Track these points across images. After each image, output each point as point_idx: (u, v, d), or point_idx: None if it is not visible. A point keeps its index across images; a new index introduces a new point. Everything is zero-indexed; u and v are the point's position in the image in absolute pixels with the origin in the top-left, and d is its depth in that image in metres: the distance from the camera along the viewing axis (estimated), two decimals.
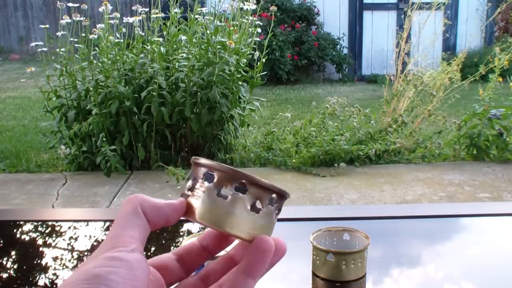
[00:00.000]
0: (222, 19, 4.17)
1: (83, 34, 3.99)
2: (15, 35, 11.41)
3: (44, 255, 1.01)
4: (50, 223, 1.14)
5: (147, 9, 4.18)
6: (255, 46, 4.14)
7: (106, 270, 0.33)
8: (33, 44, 4.26)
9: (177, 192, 3.45)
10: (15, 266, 0.97)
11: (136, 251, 0.35)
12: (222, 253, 0.42)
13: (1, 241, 1.09)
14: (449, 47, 8.36)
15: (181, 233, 1.05)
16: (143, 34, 4.11)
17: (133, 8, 4.12)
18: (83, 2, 4.10)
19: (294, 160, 3.98)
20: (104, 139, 3.88)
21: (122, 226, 0.36)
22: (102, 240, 0.40)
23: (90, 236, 1.09)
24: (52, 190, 3.67)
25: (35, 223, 1.14)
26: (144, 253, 0.37)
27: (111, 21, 3.99)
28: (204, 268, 0.41)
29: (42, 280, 0.91)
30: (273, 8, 4.55)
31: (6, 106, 6.76)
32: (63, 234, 1.11)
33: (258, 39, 4.20)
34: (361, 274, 0.85)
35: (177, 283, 0.40)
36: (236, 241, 0.42)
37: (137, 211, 0.37)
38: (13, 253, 1.03)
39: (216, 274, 0.40)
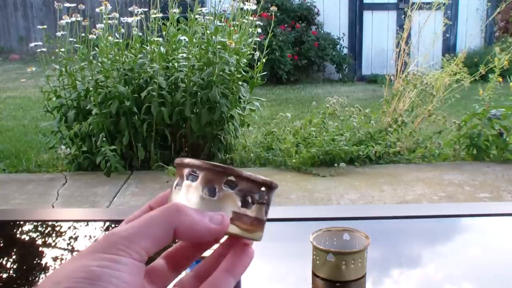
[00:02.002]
0: (222, 19, 4.17)
1: (83, 34, 3.99)
2: (15, 35, 11.41)
3: (44, 255, 1.01)
4: (50, 223, 1.14)
5: (146, 9, 4.18)
6: (255, 46, 4.14)
7: (108, 272, 0.32)
8: (32, 44, 4.26)
9: None
10: (15, 266, 0.97)
11: (141, 260, 0.34)
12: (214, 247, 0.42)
13: (1, 241, 1.09)
14: (449, 47, 8.36)
15: None
16: (141, 34, 4.12)
17: (129, 9, 4.12)
18: (82, 2, 4.10)
19: (294, 160, 3.98)
20: (104, 139, 3.88)
21: (141, 233, 0.34)
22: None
23: (90, 236, 1.09)
24: (52, 190, 3.67)
25: (35, 223, 1.14)
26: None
27: (110, 21, 3.99)
28: (197, 266, 0.41)
29: (42, 280, 0.91)
30: (273, 8, 4.55)
31: (6, 106, 6.76)
32: (63, 234, 1.11)
33: (258, 39, 4.20)
34: (361, 274, 0.85)
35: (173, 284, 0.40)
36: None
37: (167, 231, 0.35)
38: (13, 253, 1.03)
39: (209, 271, 0.40)
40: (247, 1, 4.06)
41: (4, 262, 0.98)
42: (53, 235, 1.10)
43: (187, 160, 0.39)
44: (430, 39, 5.02)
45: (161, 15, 4.05)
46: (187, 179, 0.38)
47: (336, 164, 3.97)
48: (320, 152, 4.01)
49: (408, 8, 5.06)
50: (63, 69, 4.02)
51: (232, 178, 0.38)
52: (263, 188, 0.39)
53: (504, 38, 7.20)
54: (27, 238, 1.09)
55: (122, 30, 4.05)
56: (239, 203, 0.38)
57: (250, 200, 0.38)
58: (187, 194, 0.38)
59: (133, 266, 0.33)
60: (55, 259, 0.99)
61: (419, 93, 4.55)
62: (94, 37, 4.00)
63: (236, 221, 0.38)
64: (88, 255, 0.33)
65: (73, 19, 3.92)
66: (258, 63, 4.14)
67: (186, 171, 0.39)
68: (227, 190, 0.38)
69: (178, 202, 0.37)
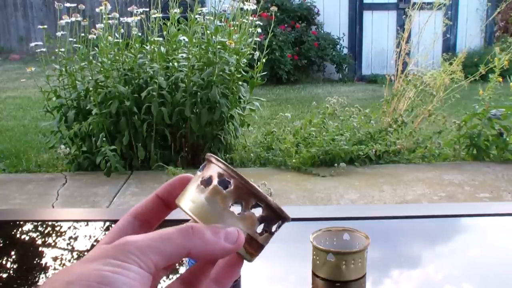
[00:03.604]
0: (222, 19, 4.17)
1: (83, 34, 3.99)
2: (15, 35, 11.41)
3: (44, 255, 1.01)
4: (50, 223, 1.14)
5: (147, 9, 4.18)
6: (255, 46, 4.14)
7: (120, 278, 0.32)
8: (32, 44, 4.26)
9: None
10: (15, 266, 0.97)
11: (149, 272, 0.34)
12: None
13: (1, 241, 1.09)
14: (449, 47, 8.36)
15: None
16: (140, 34, 4.12)
17: (129, 9, 4.12)
18: (82, 2, 4.10)
19: (294, 160, 3.98)
20: (104, 139, 3.88)
21: (155, 248, 0.34)
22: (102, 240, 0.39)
23: (90, 236, 1.09)
24: (52, 190, 3.67)
25: (35, 223, 1.14)
26: None
27: (110, 21, 3.99)
28: (185, 272, 0.41)
29: (42, 280, 0.91)
30: (273, 8, 4.55)
31: (6, 106, 6.76)
32: (63, 234, 1.11)
33: (258, 39, 4.20)
34: (361, 274, 0.85)
35: None
36: None
37: (180, 251, 0.35)
38: (13, 253, 1.03)
39: (196, 278, 0.40)
40: (247, 1, 4.05)
41: (4, 262, 0.98)
42: (53, 235, 1.10)
43: (225, 166, 0.38)
44: (430, 39, 5.02)
45: (161, 15, 4.05)
46: (218, 184, 0.38)
47: (336, 164, 3.97)
48: (320, 152, 4.01)
49: (409, 8, 5.07)
50: (63, 69, 4.01)
51: (261, 203, 0.38)
52: (280, 221, 0.39)
53: (504, 38, 7.20)
54: (27, 238, 1.09)
55: (122, 30, 4.05)
56: (256, 228, 0.38)
57: (265, 228, 0.39)
58: (213, 200, 0.37)
59: (144, 276, 0.34)
60: (55, 259, 0.99)
61: (419, 93, 4.55)
62: (94, 37, 4.00)
63: (246, 244, 0.38)
64: (100, 259, 0.34)
65: (73, 19, 3.92)
66: (258, 63, 4.14)
67: (218, 172, 0.38)
68: (251, 212, 0.38)
69: (195, 224, 0.36)
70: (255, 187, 0.37)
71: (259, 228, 0.38)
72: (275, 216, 0.38)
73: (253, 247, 0.38)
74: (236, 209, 0.38)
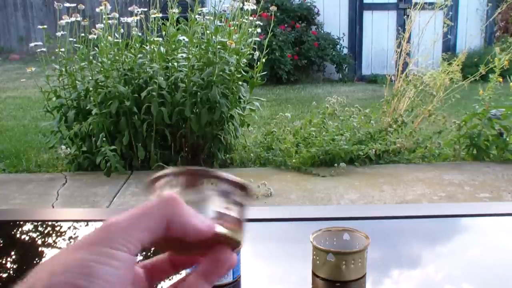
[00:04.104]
0: (222, 19, 4.17)
1: (83, 34, 4.00)
2: (15, 35, 11.41)
3: (44, 255, 1.01)
4: (50, 223, 1.14)
5: (146, 9, 4.18)
6: (255, 46, 4.14)
7: (106, 269, 0.33)
8: (32, 44, 4.26)
9: None
10: (15, 266, 0.97)
11: (136, 254, 0.35)
12: None
13: (1, 241, 1.09)
14: (449, 47, 8.36)
15: None
16: (140, 34, 4.12)
17: (129, 9, 4.12)
18: (82, 2, 4.10)
19: (294, 160, 3.98)
20: (104, 139, 3.88)
21: (139, 225, 0.35)
22: None
23: None
24: (52, 190, 3.66)
25: (35, 223, 1.14)
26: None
27: (110, 21, 3.99)
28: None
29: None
30: (273, 8, 4.55)
31: (6, 106, 6.76)
32: (63, 234, 1.11)
33: (258, 39, 4.20)
34: (361, 274, 0.85)
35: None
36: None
37: (161, 222, 0.35)
38: (13, 253, 1.03)
39: (182, 260, 0.41)
40: (247, 1, 4.05)
41: (4, 262, 0.98)
42: (53, 235, 1.10)
43: (161, 172, 0.40)
44: (431, 39, 5.02)
45: (161, 15, 4.05)
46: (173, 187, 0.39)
47: (336, 164, 3.96)
48: (320, 152, 4.01)
49: (409, 8, 5.06)
50: (63, 69, 4.01)
51: (211, 179, 0.39)
52: (241, 190, 0.40)
53: (504, 38, 7.20)
54: (27, 238, 1.09)
55: (122, 30, 4.05)
56: (221, 203, 0.39)
57: (230, 201, 0.39)
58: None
59: (129, 262, 0.34)
60: None
61: (419, 93, 4.55)
62: (94, 37, 4.00)
63: (220, 220, 0.38)
64: (87, 247, 0.34)
65: (73, 19, 3.92)
66: (258, 63, 4.14)
67: (162, 181, 0.40)
68: (208, 192, 0.39)
69: (176, 196, 0.37)
70: (195, 168, 0.39)
71: (226, 203, 0.39)
72: (233, 186, 0.39)
73: (229, 220, 0.39)
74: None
